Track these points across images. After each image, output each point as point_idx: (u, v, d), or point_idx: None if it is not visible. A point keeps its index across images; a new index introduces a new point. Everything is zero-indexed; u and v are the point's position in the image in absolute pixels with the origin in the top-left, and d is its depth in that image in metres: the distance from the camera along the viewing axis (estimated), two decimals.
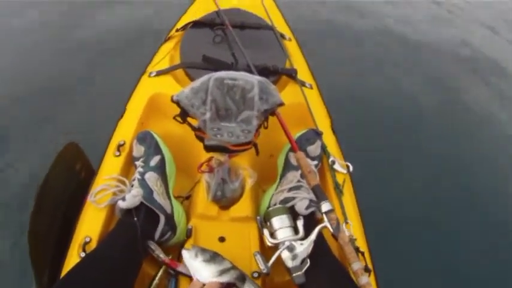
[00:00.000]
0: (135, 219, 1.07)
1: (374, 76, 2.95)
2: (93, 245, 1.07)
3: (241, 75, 1.07)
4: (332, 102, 1.57)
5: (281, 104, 1.12)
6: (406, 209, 2.00)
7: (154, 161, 1.24)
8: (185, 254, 1.00)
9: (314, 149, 1.27)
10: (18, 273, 1.45)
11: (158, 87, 1.54)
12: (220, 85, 1.05)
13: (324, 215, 1.04)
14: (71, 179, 1.31)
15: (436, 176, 2.26)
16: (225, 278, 0.95)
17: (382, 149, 2.25)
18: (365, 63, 3.09)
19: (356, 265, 0.97)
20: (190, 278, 1.01)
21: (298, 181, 1.19)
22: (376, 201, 1.73)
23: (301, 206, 1.13)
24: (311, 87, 1.62)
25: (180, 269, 1.04)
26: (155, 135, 1.29)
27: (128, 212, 1.10)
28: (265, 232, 1.08)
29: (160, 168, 1.23)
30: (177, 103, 1.08)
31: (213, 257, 1.00)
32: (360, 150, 1.67)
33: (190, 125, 1.14)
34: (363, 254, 1.07)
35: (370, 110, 2.56)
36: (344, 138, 1.45)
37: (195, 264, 0.98)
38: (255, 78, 1.07)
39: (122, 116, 1.46)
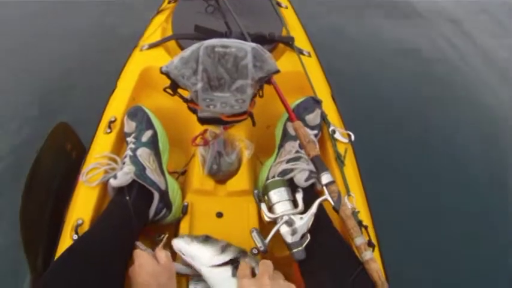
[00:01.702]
0: (127, 198, 1.03)
1: (376, 43, 2.85)
2: (86, 227, 1.03)
3: (234, 43, 1.01)
4: (332, 70, 1.50)
5: (277, 72, 1.06)
6: (411, 179, 1.93)
7: (146, 136, 1.18)
8: (179, 242, 0.96)
9: (313, 117, 1.21)
10: (12, 260, 1.40)
11: (150, 60, 1.48)
12: (211, 53, 0.99)
13: (324, 188, 0.99)
14: (62, 160, 1.26)
15: (444, 143, 2.18)
16: (229, 254, 0.92)
17: (384, 118, 2.17)
18: (367, 31, 2.99)
19: (359, 240, 0.93)
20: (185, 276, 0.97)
21: (297, 152, 1.13)
22: (379, 173, 1.67)
23: (300, 178, 1.07)
24: (309, 55, 1.55)
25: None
26: (146, 110, 1.24)
27: (120, 190, 1.06)
28: (263, 207, 1.04)
29: (153, 144, 1.18)
30: (167, 74, 1.03)
31: (207, 239, 0.96)
32: (362, 119, 1.61)
33: (181, 96, 1.09)
34: (366, 228, 1.01)
35: (372, 79, 2.47)
36: (344, 107, 1.39)
37: (192, 248, 0.94)
38: (248, 45, 1.01)
39: (112, 92, 1.40)
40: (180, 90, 1.07)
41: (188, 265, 0.96)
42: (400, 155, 2.02)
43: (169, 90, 1.06)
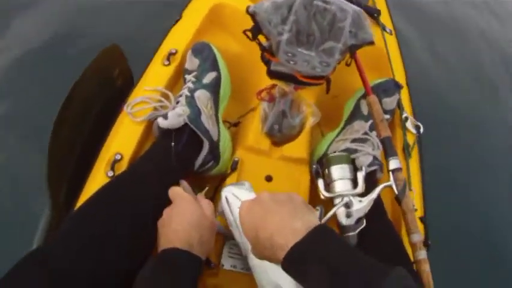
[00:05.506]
0: (172, 144, 0.94)
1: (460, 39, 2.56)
2: (124, 163, 0.96)
3: (336, 0, 0.92)
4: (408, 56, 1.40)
5: (371, 43, 0.98)
6: (473, 185, 1.78)
7: (209, 78, 1.09)
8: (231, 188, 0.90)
9: (390, 102, 1.12)
10: (31, 190, 1.26)
11: None
12: (309, 5, 0.90)
13: (391, 173, 0.93)
14: (106, 85, 1.17)
15: None
16: None
17: (456, 115, 1.98)
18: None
19: (416, 236, 0.88)
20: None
21: (365, 133, 1.05)
22: (441, 172, 1.58)
23: (363, 161, 0.99)
24: (391, 33, 1.44)
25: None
26: (215, 49, 1.14)
27: (167, 132, 0.97)
28: (320, 183, 0.96)
29: (214, 87, 1.09)
30: (253, 15, 0.93)
31: None
32: (432, 112, 1.50)
33: (259, 43, 1.00)
34: (426, 225, 0.96)
35: (447, 71, 2.25)
36: (416, 96, 1.30)
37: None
38: (350, 7, 0.92)
39: (175, 23, 1.29)
40: (259, 37, 0.99)
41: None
42: (469, 157, 1.86)
43: (249, 34, 0.97)
